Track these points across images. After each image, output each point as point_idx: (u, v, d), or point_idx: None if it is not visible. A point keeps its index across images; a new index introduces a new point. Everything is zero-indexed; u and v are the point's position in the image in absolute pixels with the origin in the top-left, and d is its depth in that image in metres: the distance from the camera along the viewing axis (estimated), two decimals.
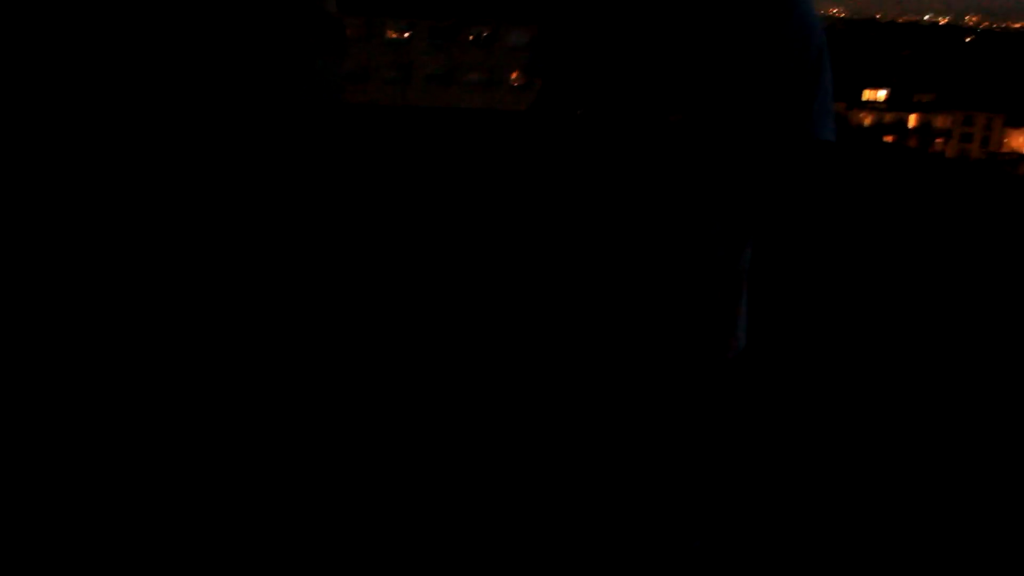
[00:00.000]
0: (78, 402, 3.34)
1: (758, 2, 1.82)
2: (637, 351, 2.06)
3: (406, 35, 47.83)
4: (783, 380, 3.75)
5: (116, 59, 6.88)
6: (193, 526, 2.63)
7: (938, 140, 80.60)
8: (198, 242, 5.11)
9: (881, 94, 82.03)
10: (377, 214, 5.90)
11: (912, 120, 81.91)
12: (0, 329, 3.90)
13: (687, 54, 1.85)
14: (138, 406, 3.31)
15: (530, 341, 2.23)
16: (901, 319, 4.68)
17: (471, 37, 48.48)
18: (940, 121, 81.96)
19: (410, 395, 3.44)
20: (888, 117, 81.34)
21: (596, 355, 2.10)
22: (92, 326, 3.98)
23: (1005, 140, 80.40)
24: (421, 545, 2.57)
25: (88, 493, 2.77)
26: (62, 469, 2.89)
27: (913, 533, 2.77)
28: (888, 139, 68.33)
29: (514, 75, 48.66)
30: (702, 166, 1.92)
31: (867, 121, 79.97)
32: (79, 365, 3.63)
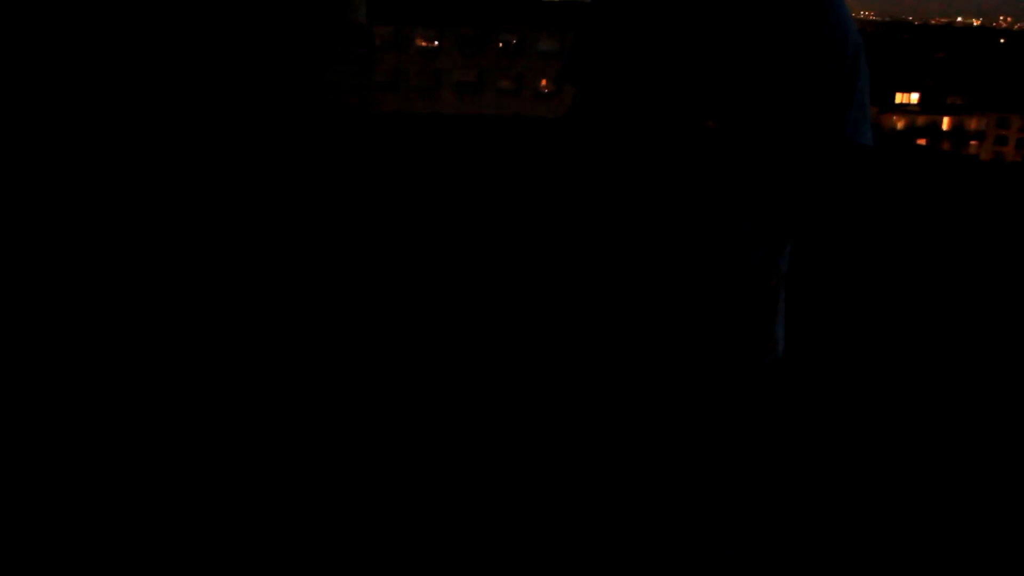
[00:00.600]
0: (78, 401, 3.36)
1: (794, 7, 1.80)
2: (675, 356, 2.04)
3: (435, 43, 48.06)
4: (823, 387, 3.70)
5: (129, 63, 6.94)
6: (193, 526, 2.63)
7: (972, 143, 79.81)
8: (209, 247, 5.12)
9: (914, 97, 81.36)
10: (411, 219, 5.90)
11: (945, 123, 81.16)
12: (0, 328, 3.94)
13: (724, 58, 1.84)
14: (138, 405, 3.33)
15: (565, 346, 2.21)
16: (942, 324, 4.61)
17: (500, 44, 48.63)
18: (974, 123, 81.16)
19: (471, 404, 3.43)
20: (921, 120, 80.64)
21: (634, 360, 2.08)
22: (92, 325, 4.01)
23: None
24: (435, 546, 2.55)
25: (88, 493, 2.78)
26: (62, 469, 2.90)
27: (959, 544, 2.72)
28: (921, 142, 67.76)
29: (544, 82, 48.73)
30: (740, 171, 1.89)
31: (900, 125, 79.34)
32: (78, 364, 3.65)
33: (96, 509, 2.70)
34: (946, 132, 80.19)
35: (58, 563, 2.46)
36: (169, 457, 3.00)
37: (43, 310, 4.19)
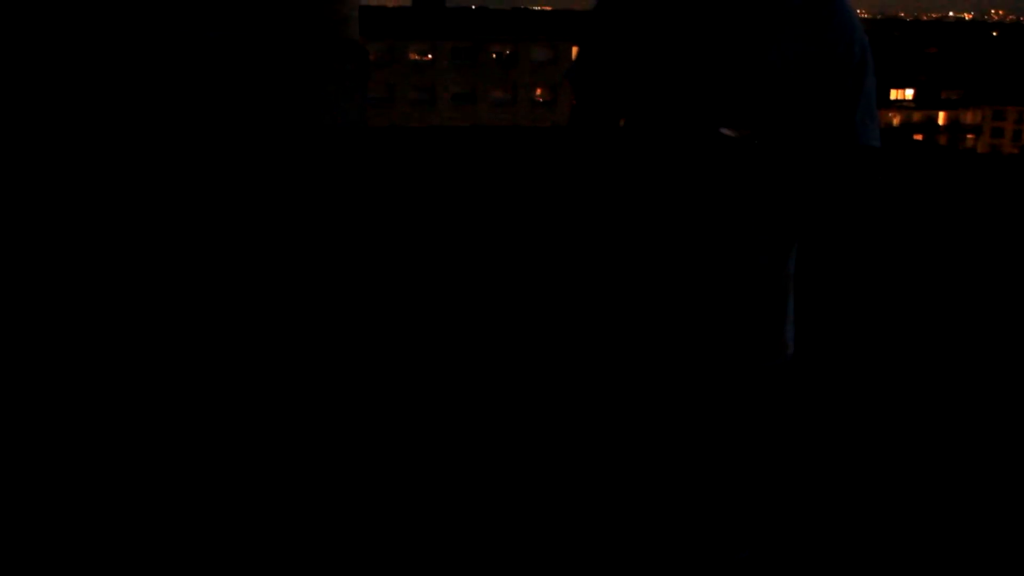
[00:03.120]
0: (77, 402, 3.35)
1: (799, 11, 1.80)
2: (686, 358, 2.03)
3: (428, 57, 48.20)
4: (833, 387, 3.69)
5: (129, 82, 6.96)
6: (193, 526, 2.62)
7: (969, 136, 79.79)
8: (205, 254, 5.12)
9: (908, 93, 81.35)
10: (411, 228, 5.91)
11: (941, 118, 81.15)
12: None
13: (732, 62, 1.83)
14: (137, 407, 3.32)
15: (573, 349, 2.21)
16: (952, 324, 4.59)
17: (493, 56, 48.77)
18: (970, 117, 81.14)
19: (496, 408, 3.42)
20: (917, 116, 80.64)
21: (646, 363, 2.07)
22: (91, 326, 4.01)
23: None
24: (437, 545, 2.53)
25: (88, 493, 2.77)
26: (62, 469, 2.90)
27: (978, 547, 2.70)
28: (917, 137, 67.68)
29: (539, 91, 48.84)
30: (747, 173, 1.89)
31: (895, 121, 79.33)
32: (74, 365, 3.65)
33: (96, 509, 2.69)
34: (942, 127, 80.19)
35: (58, 563, 2.46)
36: (169, 457, 2.99)
37: (35, 311, 4.19)
